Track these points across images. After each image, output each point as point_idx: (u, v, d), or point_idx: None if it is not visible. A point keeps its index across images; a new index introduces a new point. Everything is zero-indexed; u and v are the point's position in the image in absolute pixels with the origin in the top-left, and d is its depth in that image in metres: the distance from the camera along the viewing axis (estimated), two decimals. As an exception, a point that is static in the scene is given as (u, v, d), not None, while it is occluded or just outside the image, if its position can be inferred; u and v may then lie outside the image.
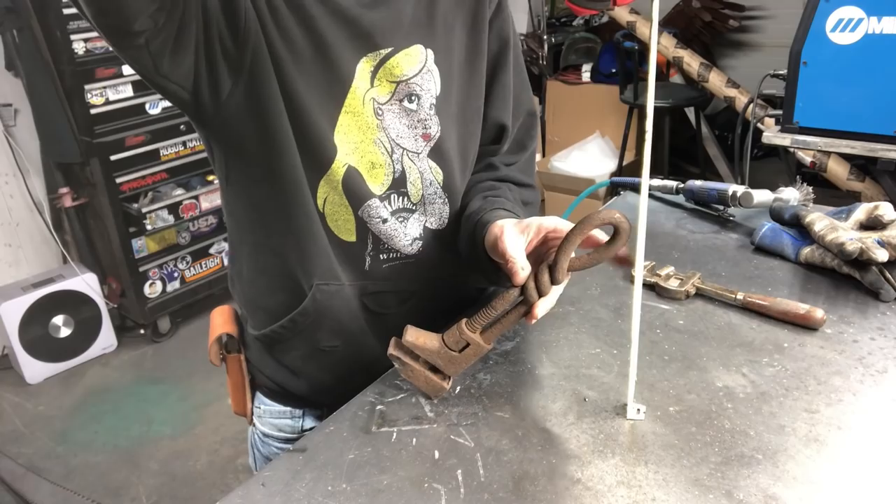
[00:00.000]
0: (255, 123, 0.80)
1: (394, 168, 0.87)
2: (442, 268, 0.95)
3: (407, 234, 0.91)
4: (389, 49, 0.83)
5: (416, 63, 0.85)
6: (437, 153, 0.90)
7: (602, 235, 0.74)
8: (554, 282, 0.72)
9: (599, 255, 0.72)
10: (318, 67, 0.80)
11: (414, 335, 0.76)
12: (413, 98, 0.86)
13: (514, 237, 0.77)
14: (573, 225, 0.71)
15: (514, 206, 0.93)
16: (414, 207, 0.91)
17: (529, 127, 1.05)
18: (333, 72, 0.80)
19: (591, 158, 3.80)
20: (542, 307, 0.74)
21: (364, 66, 0.82)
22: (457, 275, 0.97)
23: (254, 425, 1.02)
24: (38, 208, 3.02)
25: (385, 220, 0.88)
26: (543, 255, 0.79)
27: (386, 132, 0.85)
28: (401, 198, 0.90)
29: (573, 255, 0.72)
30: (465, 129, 0.93)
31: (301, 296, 0.88)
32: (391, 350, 0.77)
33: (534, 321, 0.74)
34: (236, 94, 0.78)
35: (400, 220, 0.90)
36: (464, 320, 0.75)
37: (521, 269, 0.74)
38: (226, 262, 3.09)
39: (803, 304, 0.89)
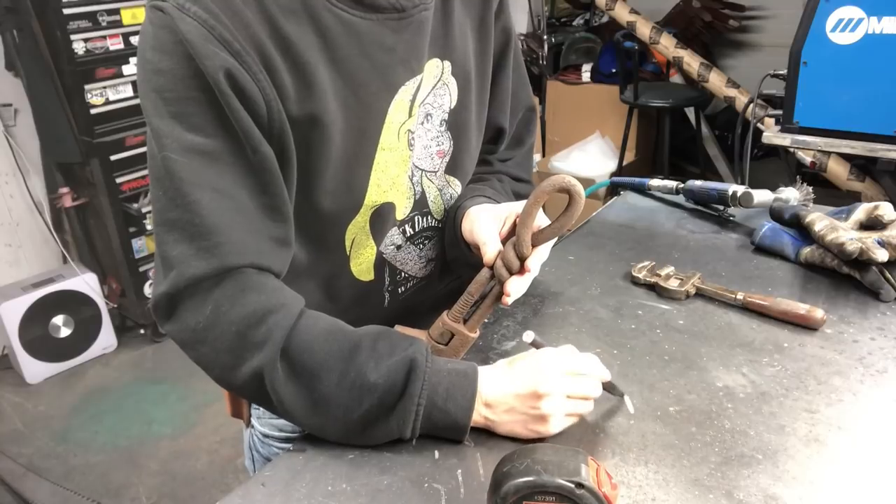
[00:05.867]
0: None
1: (414, 190, 0.85)
2: (450, 281, 0.95)
3: (422, 256, 0.90)
4: (423, 73, 0.79)
5: (433, 79, 0.82)
6: (453, 167, 0.88)
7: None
8: (519, 256, 0.73)
9: (560, 224, 0.72)
10: (349, 115, 0.73)
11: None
12: (429, 118, 0.83)
13: (486, 222, 0.78)
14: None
15: (498, 195, 0.93)
16: (439, 224, 0.90)
17: (528, 121, 1.04)
18: (365, 115, 0.74)
19: (591, 158, 3.80)
20: (514, 286, 0.73)
21: (402, 96, 0.77)
22: (460, 278, 0.97)
23: (252, 427, 1.02)
24: (38, 208, 3.02)
25: (399, 247, 0.87)
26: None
27: (412, 160, 0.82)
28: (424, 218, 0.88)
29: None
30: (480, 136, 0.92)
31: None
32: None
33: (508, 299, 0.73)
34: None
35: (417, 243, 0.89)
36: (445, 312, 0.75)
37: (490, 249, 0.74)
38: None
39: (803, 304, 0.89)
